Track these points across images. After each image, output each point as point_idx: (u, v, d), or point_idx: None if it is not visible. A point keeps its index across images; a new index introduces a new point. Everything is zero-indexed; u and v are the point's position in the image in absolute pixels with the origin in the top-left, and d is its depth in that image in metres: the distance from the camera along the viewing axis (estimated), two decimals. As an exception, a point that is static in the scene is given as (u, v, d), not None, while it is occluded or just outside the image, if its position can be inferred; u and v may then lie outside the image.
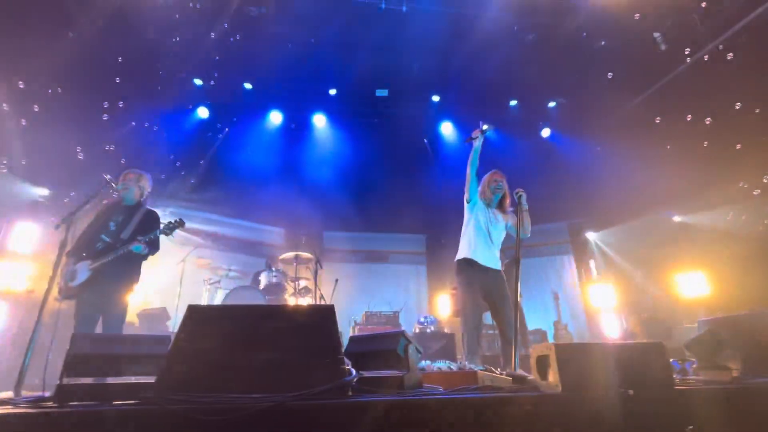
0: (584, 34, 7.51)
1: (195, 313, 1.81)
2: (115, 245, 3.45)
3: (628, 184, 7.60)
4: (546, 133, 9.10)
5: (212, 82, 7.73)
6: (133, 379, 1.80)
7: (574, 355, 1.83)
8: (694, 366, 2.32)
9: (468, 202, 3.59)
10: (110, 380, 1.81)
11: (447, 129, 9.16)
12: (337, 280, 5.70)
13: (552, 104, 8.94)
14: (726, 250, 6.00)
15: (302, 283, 5.90)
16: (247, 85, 8.02)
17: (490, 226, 3.42)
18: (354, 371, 1.95)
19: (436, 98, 8.80)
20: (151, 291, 5.56)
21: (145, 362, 1.87)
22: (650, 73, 7.87)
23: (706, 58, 7.02)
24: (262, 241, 8.07)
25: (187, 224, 3.79)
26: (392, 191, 8.61)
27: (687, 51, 7.12)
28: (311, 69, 7.82)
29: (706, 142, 6.23)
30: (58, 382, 1.68)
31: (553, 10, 7.19)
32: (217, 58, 7.30)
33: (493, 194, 3.55)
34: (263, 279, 5.82)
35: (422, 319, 5.40)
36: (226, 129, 8.24)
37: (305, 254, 6.11)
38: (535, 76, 8.31)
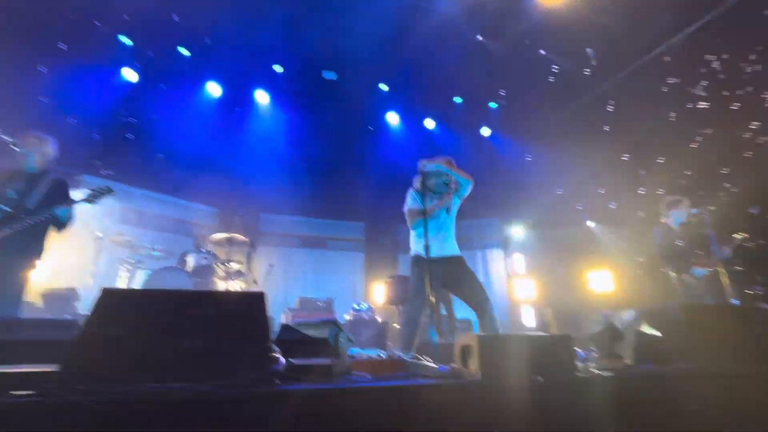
0: (527, 41, 7.90)
1: (109, 297, 1.66)
2: (18, 215, 3.06)
3: (554, 187, 8.21)
4: (486, 132, 9.50)
5: (142, 43, 7.04)
6: (31, 368, 1.62)
7: (494, 345, 1.96)
8: (596, 355, 2.59)
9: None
10: (3, 369, 1.61)
11: (393, 119, 9.21)
12: (271, 265, 5.55)
13: (493, 105, 9.33)
14: (628, 253, 6.76)
15: (234, 266, 5.66)
16: (184, 51, 7.42)
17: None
18: (283, 359, 1.92)
19: (384, 87, 8.80)
20: (60, 269, 5.02)
21: (47, 349, 1.70)
22: (580, 85, 8.50)
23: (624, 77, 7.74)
24: (192, 220, 7.59)
25: (107, 197, 3.45)
26: (334, 177, 8.53)
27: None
28: (256, 41, 7.41)
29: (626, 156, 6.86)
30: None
31: (501, 14, 7.46)
32: (149, 16, 6.66)
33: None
34: (191, 260, 5.50)
35: (356, 307, 5.46)
36: (158, 95, 7.56)
37: (239, 236, 5.87)
38: (479, 76, 8.61)
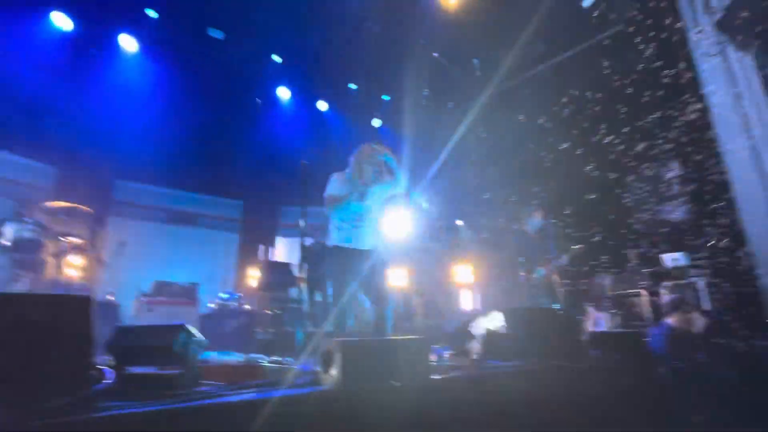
0: (422, 42, 8.17)
1: None
2: None
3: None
4: (377, 123, 9.64)
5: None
6: None
7: (355, 350, 1.96)
8: (451, 353, 2.83)
9: None
10: None
11: (284, 94, 8.71)
12: (123, 243, 4.79)
13: (386, 97, 9.49)
14: (487, 252, 7.62)
15: (73, 241, 4.74)
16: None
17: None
18: (111, 373, 1.65)
19: (277, 59, 8.23)
20: None
21: None
22: (464, 91, 9.17)
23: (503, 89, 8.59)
24: (15, 179, 6.07)
25: None
26: (211, 146, 7.72)
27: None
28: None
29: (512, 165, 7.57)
30: None
31: (400, 9, 7.55)
32: None
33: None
34: (9, 231, 4.42)
35: (222, 295, 5.05)
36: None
37: (83, 208, 4.92)
38: (375, 67, 8.65)
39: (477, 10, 7.61)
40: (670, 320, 3.18)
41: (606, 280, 5.39)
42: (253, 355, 2.17)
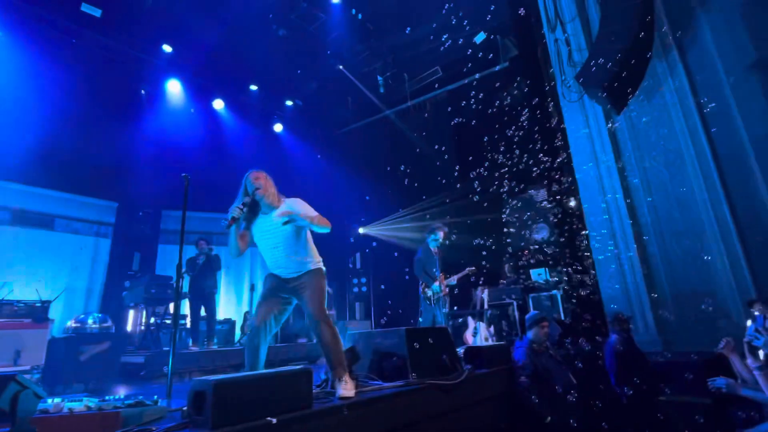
0: (329, 51, 8.19)
1: None
2: None
3: (333, 193, 8.82)
4: (278, 128, 9.36)
5: None
6: None
7: (230, 389, 1.86)
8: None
9: None
10: None
11: (174, 87, 7.94)
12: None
13: (289, 103, 9.27)
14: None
15: None
16: None
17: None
18: None
19: (167, 48, 7.49)
20: None
21: None
22: (368, 107, 9.41)
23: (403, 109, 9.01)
24: None
25: None
26: (81, 139, 6.66)
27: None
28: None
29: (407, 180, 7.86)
30: None
31: (310, 16, 7.48)
32: None
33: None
34: None
35: (82, 316, 4.32)
36: None
37: None
38: (279, 71, 8.41)
39: (382, 28, 7.90)
40: (530, 333, 3.64)
41: (483, 293, 5.95)
42: (109, 398, 1.91)
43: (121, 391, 3.46)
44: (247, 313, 6.84)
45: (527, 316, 3.82)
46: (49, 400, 1.87)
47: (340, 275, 9.29)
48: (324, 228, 2.68)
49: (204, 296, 5.81)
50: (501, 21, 7.48)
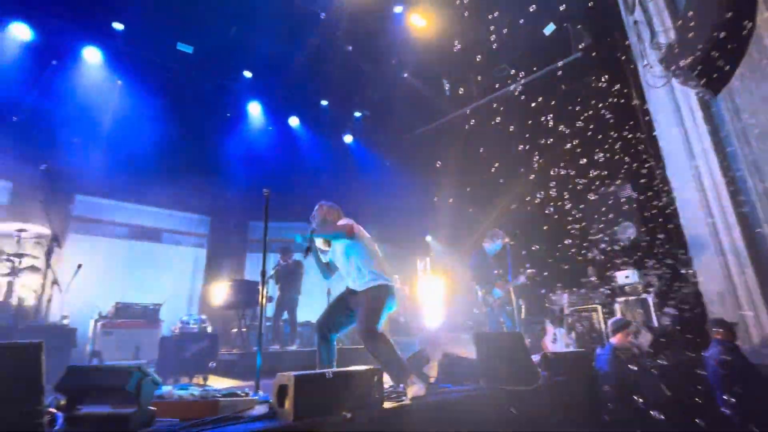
0: (394, 61, 8.37)
1: None
2: None
3: (400, 201, 8.92)
4: (348, 139, 9.76)
5: None
6: None
7: (309, 384, 2.03)
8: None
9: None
10: None
11: (255, 109, 8.71)
12: (80, 266, 4.65)
13: (358, 114, 9.63)
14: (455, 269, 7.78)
15: (26, 262, 4.58)
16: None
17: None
18: (60, 415, 1.66)
19: (248, 74, 8.24)
20: None
21: None
22: (435, 111, 9.42)
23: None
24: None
25: None
26: (178, 160, 7.54)
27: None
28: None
29: (468, 188, 7.77)
30: None
31: (374, 30, 7.73)
32: None
33: None
34: (-43, 253, 4.24)
35: (185, 318, 4.95)
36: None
37: (36, 227, 4.75)
38: (347, 84, 8.79)
39: (447, 33, 7.88)
40: (614, 341, 3.40)
41: (563, 298, 5.63)
42: (209, 389, 2.19)
43: (218, 383, 3.90)
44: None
45: (611, 322, 3.57)
46: (163, 388, 2.20)
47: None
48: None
49: (287, 301, 6.27)
50: (571, 8, 7.06)
